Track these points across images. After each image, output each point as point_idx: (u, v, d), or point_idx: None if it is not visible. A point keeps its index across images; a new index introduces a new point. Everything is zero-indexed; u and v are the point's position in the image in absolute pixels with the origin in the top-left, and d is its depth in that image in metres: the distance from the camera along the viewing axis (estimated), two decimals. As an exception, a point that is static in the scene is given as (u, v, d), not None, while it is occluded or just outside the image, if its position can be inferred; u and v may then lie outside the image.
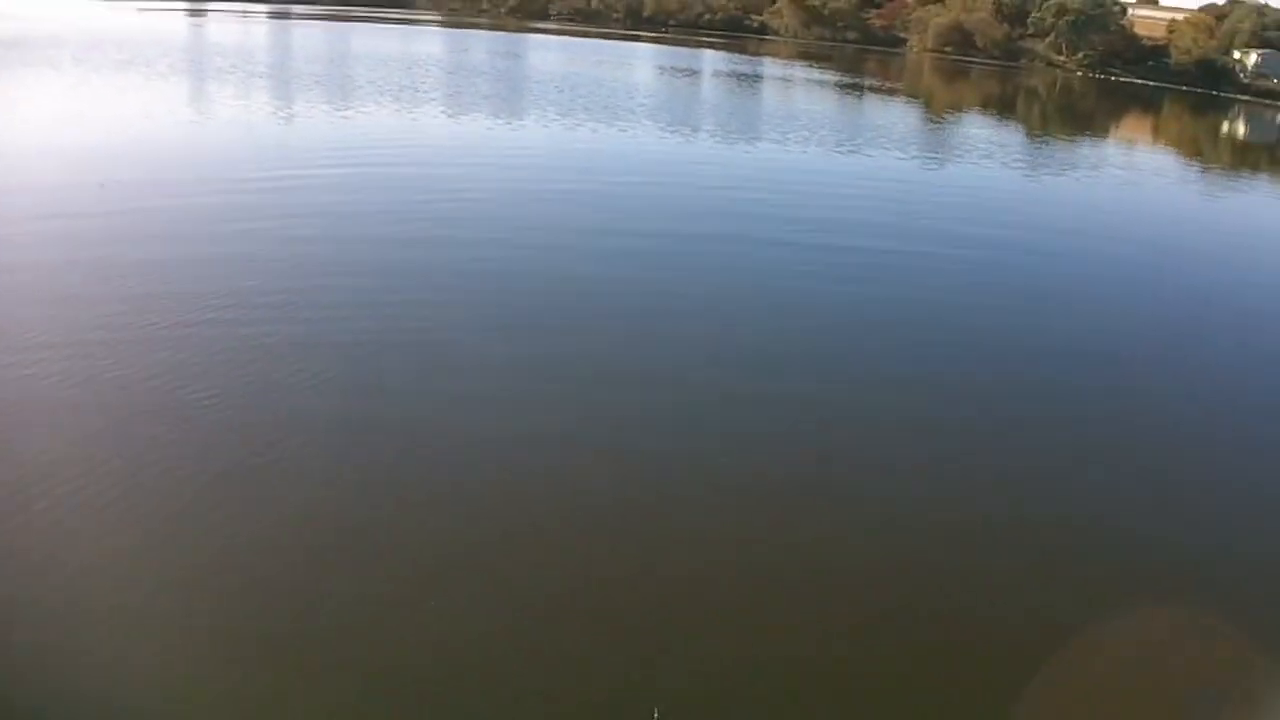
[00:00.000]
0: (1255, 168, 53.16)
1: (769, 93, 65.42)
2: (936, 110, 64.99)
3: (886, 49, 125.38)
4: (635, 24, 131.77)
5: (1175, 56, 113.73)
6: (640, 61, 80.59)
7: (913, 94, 75.40)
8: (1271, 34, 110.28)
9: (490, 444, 12.10)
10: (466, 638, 8.66)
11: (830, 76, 79.97)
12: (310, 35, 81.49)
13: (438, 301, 16.91)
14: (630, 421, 13.12)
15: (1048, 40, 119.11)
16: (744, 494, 11.47)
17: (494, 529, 10.30)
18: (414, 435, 12.12)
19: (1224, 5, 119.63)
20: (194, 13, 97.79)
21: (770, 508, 11.28)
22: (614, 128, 39.82)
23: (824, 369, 15.64)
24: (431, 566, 9.60)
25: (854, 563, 10.40)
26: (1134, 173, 43.26)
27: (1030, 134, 56.30)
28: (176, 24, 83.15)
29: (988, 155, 42.62)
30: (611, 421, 13.08)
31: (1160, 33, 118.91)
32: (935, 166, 38.10)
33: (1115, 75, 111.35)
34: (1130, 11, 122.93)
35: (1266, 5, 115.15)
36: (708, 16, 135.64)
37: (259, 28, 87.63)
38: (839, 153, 38.49)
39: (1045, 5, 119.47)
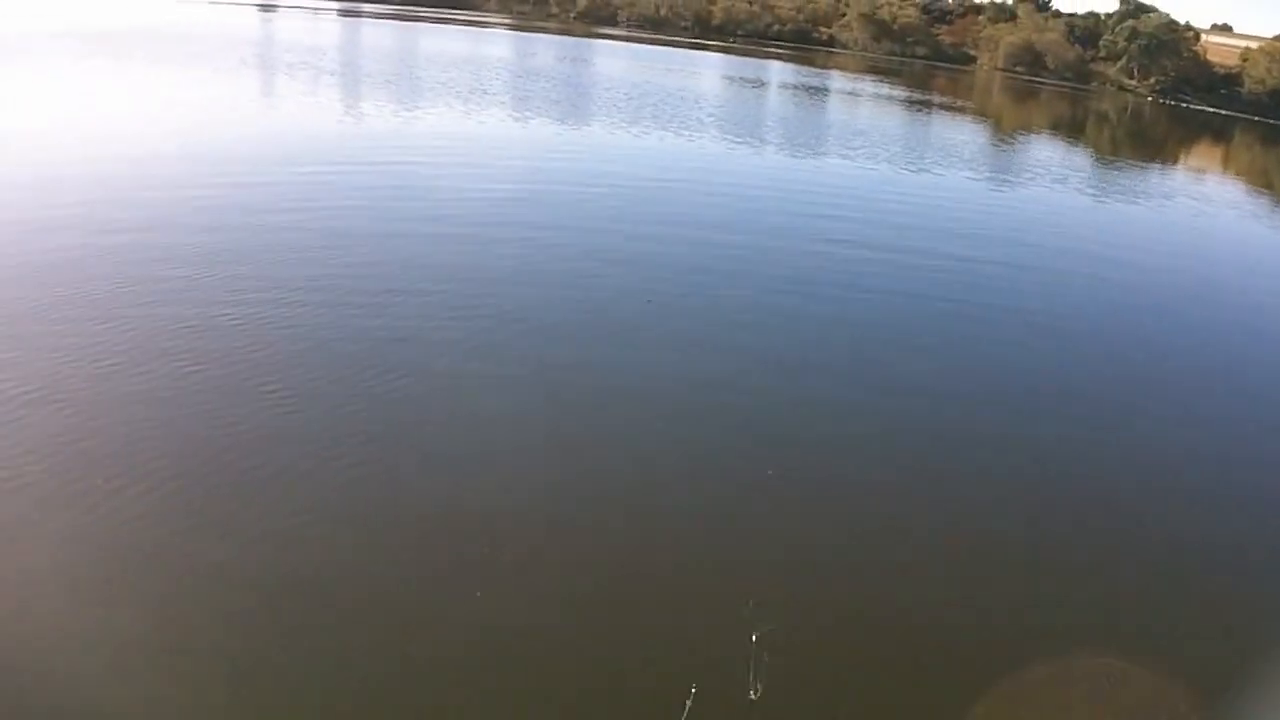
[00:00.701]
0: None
1: (836, 106, 65.10)
2: (1006, 130, 64.29)
3: (956, 66, 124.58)
4: (703, 33, 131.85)
5: (1248, 85, 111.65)
6: (708, 71, 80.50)
7: (982, 113, 74.66)
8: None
9: (525, 451, 12.09)
10: (493, 634, 8.78)
11: (898, 92, 79.51)
12: (380, 34, 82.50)
13: (516, 297, 17.21)
14: (661, 420, 13.32)
15: (1119, 64, 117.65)
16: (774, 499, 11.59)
17: (518, 536, 10.26)
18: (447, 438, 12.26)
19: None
20: (265, 8, 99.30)
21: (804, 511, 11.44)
22: (682, 137, 39.82)
23: (883, 378, 15.68)
24: (463, 565, 9.72)
25: (863, 577, 10.43)
26: (1207, 204, 42.42)
27: (1101, 159, 55.44)
28: (248, 19, 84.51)
29: (1060, 179, 42.06)
30: (653, 425, 13.22)
31: (1233, 60, 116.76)
32: (1007, 188, 37.61)
33: (1186, 102, 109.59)
34: (1204, 38, 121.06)
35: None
36: (776, 27, 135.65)
37: (329, 25, 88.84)
38: (908, 170, 38.16)
39: (1118, 29, 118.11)
